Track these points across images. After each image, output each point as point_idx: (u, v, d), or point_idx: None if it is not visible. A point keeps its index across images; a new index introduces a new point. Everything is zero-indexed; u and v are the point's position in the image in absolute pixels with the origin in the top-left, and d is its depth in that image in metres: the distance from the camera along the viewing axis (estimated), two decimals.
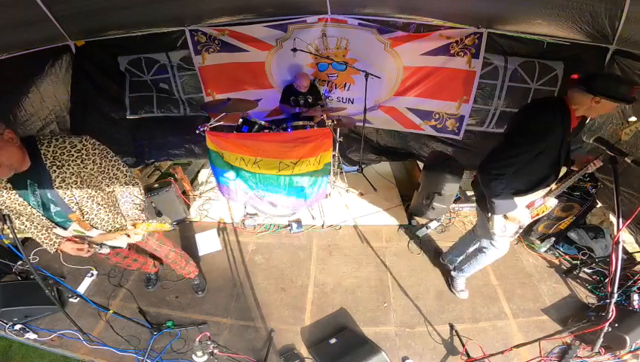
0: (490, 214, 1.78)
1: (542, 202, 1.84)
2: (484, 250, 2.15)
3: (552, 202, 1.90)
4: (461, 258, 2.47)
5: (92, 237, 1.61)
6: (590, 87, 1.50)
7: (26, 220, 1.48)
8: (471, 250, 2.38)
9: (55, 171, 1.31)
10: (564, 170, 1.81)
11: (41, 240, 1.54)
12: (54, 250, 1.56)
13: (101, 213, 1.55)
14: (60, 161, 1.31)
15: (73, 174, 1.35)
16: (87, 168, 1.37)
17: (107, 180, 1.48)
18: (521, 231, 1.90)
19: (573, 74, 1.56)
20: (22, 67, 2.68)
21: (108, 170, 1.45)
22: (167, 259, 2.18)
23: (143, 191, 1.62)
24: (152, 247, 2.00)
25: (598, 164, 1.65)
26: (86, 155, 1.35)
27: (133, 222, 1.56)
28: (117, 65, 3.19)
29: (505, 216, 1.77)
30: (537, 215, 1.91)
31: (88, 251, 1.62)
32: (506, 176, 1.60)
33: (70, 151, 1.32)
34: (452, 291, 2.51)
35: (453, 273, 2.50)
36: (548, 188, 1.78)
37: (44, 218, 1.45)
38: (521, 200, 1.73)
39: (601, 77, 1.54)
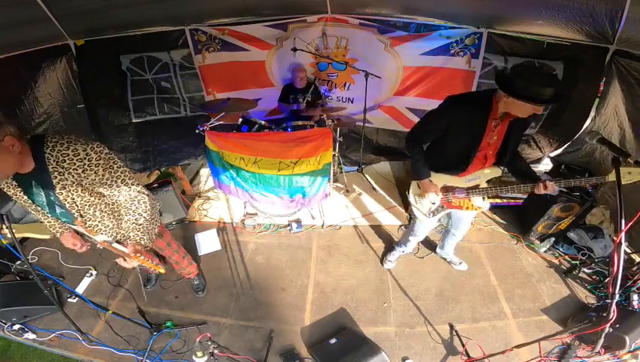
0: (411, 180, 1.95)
1: (464, 195, 1.80)
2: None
3: (479, 202, 1.85)
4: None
5: (96, 241, 1.61)
6: (497, 79, 1.39)
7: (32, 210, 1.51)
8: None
9: (57, 177, 1.28)
10: (496, 172, 1.74)
11: (46, 225, 1.59)
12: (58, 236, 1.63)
13: (105, 219, 1.53)
14: (62, 168, 1.26)
15: (74, 182, 1.30)
16: (88, 178, 1.31)
17: (109, 192, 1.40)
18: (437, 212, 1.97)
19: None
20: (21, 66, 2.66)
21: (111, 182, 1.37)
22: (170, 259, 2.18)
23: (149, 208, 1.50)
24: (158, 246, 1.99)
25: (551, 190, 1.50)
26: (88, 165, 1.28)
27: (134, 249, 1.48)
28: (117, 65, 3.17)
29: (418, 187, 1.88)
30: (459, 206, 1.91)
31: (82, 248, 1.67)
32: (417, 145, 1.76)
33: (72, 160, 1.26)
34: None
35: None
36: (457, 176, 1.78)
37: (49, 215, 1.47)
38: (434, 177, 1.82)
39: (514, 68, 1.37)
